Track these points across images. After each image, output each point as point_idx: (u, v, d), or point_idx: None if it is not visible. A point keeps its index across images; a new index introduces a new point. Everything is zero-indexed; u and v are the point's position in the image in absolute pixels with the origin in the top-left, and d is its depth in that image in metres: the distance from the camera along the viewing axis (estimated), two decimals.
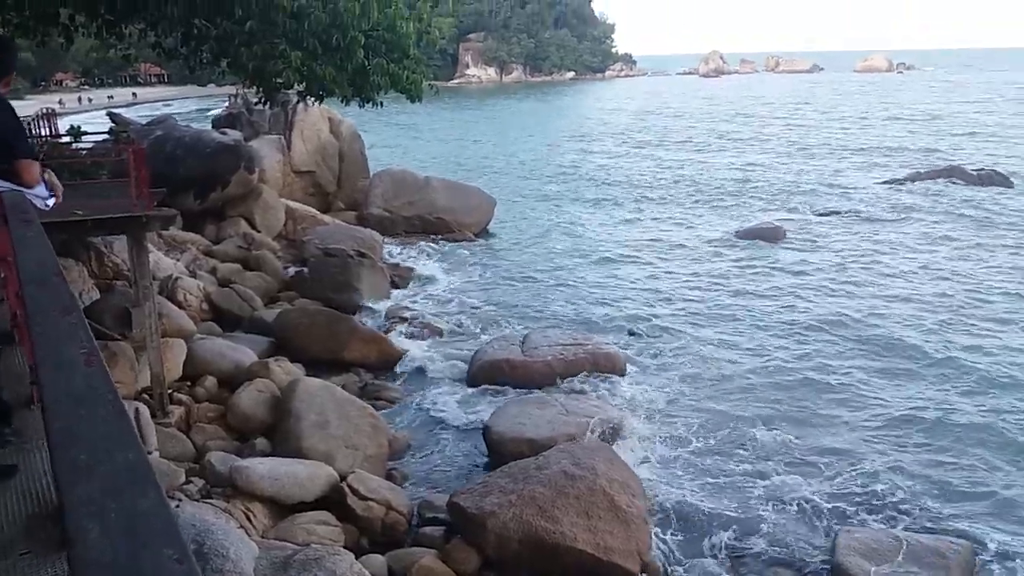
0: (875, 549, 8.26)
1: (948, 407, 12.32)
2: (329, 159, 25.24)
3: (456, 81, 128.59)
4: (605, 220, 26.66)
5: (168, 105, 78.80)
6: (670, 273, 20.15)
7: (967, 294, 17.82)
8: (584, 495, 8.34)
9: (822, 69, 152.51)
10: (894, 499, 9.77)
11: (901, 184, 30.64)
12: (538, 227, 25.76)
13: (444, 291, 18.77)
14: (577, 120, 65.53)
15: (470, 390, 12.95)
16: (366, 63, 12.25)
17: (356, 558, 7.36)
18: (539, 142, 49.72)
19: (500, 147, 47.70)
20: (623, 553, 8.11)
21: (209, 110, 57.14)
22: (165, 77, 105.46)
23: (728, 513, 9.48)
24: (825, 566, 8.36)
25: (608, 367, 13.05)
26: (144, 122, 29.67)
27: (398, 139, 51.37)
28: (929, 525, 9.23)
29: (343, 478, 8.97)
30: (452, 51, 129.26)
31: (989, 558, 8.60)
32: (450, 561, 8.06)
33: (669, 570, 8.46)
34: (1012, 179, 30.19)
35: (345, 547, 7.77)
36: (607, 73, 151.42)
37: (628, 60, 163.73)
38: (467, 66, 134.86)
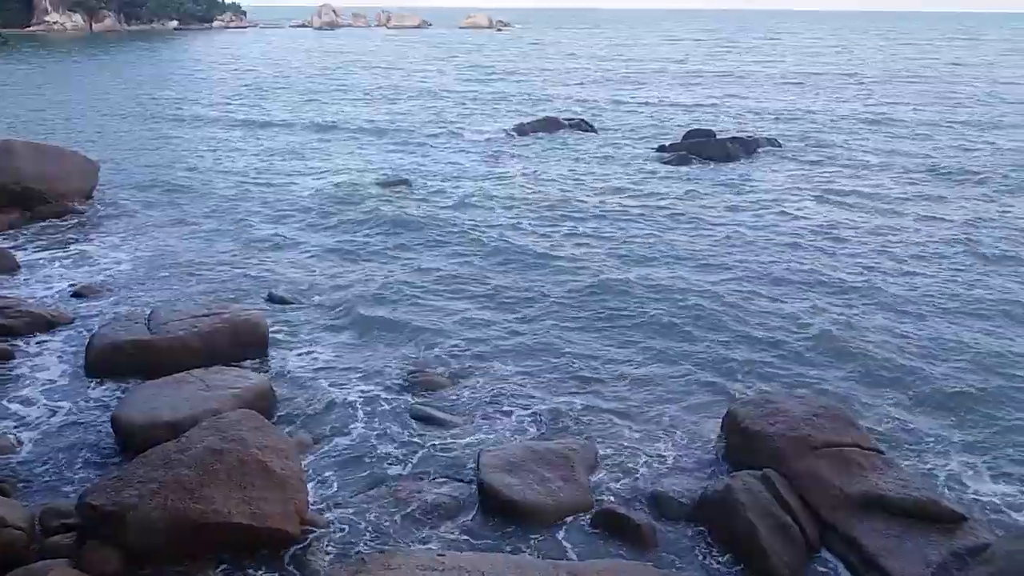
0: (512, 462, 9.20)
1: (574, 320, 14.15)
2: None
3: (33, 29, 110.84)
4: (227, 183, 25.24)
5: None
6: (302, 232, 19.87)
7: (580, 210, 21.16)
8: (235, 468, 8.03)
9: (430, 25, 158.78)
10: (527, 412, 10.92)
11: (511, 132, 34.10)
12: (149, 192, 23.62)
13: (46, 272, 16.45)
14: (182, 75, 60.45)
15: (90, 380, 11.62)
16: None
17: None
18: (142, 100, 45.21)
19: (96, 106, 42.44)
20: (281, 517, 8.00)
21: None
22: None
23: (385, 453, 9.88)
24: (473, 486, 9.10)
25: (250, 333, 12.56)
26: None
27: None
28: (557, 430, 10.46)
29: None
30: None
31: (610, 452, 9.97)
32: (87, 565, 7.30)
33: (330, 523, 8.55)
34: (595, 125, 35.98)
35: None
36: (214, 24, 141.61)
37: (237, 10, 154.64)
38: (46, 11, 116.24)
